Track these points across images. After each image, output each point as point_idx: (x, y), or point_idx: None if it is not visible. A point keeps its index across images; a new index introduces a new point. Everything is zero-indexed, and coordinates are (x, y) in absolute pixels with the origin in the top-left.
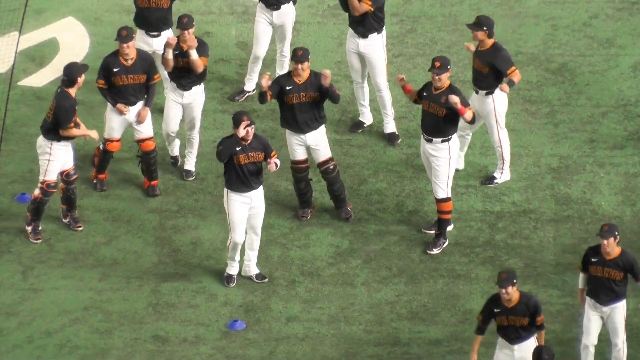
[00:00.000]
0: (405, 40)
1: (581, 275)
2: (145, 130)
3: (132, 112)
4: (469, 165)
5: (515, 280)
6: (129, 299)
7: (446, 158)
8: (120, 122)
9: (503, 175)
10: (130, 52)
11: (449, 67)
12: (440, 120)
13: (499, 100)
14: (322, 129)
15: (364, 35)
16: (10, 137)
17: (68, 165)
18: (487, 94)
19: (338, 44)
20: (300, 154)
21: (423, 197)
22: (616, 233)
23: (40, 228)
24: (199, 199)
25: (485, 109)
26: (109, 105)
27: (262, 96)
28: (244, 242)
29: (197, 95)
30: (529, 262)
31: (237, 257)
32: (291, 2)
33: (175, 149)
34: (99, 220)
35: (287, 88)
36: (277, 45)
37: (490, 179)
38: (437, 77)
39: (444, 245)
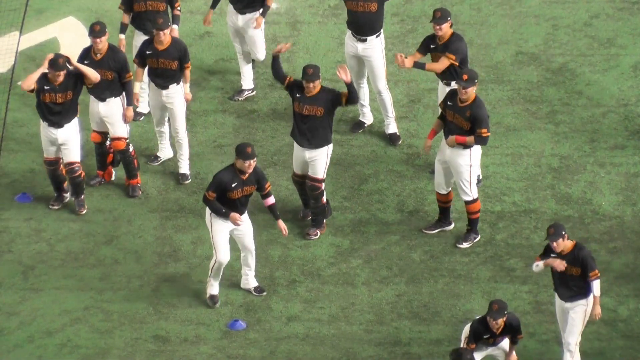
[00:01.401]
0: (406, 39)
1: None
2: (116, 129)
3: (102, 108)
4: None
5: (564, 232)
6: (130, 299)
7: (467, 165)
8: (93, 115)
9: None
10: (102, 47)
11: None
12: (464, 133)
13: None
14: (324, 150)
15: (364, 39)
16: (11, 137)
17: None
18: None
19: (339, 43)
20: (297, 167)
21: (424, 197)
22: (563, 233)
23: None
24: (199, 198)
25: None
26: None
27: (275, 61)
28: (240, 258)
29: (176, 94)
30: (530, 262)
31: (219, 278)
32: (258, 11)
33: (164, 151)
34: (100, 220)
35: (297, 95)
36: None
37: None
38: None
39: (475, 240)
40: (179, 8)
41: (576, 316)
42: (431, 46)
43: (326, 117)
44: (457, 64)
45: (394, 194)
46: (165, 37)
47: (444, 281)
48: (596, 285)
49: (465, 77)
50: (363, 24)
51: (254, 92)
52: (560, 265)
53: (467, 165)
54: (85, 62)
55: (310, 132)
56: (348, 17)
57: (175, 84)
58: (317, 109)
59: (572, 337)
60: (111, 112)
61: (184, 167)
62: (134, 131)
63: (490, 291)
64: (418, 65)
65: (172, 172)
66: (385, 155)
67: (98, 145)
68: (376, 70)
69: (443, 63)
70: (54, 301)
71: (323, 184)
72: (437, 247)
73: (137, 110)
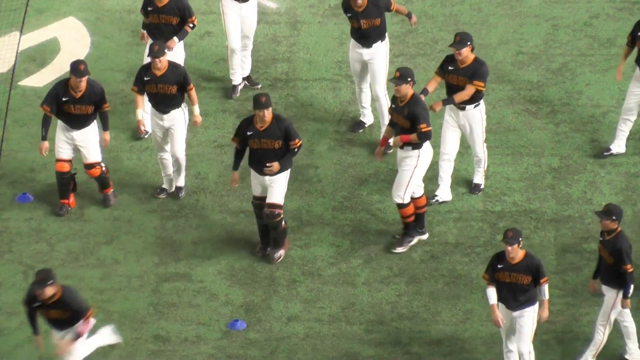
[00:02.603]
0: (406, 40)
1: (489, 290)
2: (91, 155)
3: (77, 135)
4: (470, 165)
5: (521, 239)
6: (130, 299)
7: (412, 166)
8: (63, 143)
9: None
10: (82, 86)
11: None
12: (407, 132)
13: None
14: (283, 176)
15: (368, 45)
16: (12, 137)
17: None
18: (475, 106)
19: (339, 43)
20: (257, 190)
21: (424, 196)
22: (520, 239)
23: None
24: (199, 198)
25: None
26: (59, 123)
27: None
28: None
29: (177, 118)
30: None
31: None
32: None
33: (170, 182)
34: (100, 220)
35: (249, 133)
36: (242, 40)
37: (475, 187)
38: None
39: (411, 244)
40: (191, 25)
41: (525, 322)
42: (449, 67)
43: (284, 146)
44: (484, 89)
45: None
46: (162, 63)
47: (444, 281)
48: (546, 289)
49: (397, 74)
50: (368, 36)
51: (243, 85)
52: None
53: (412, 166)
54: (64, 99)
55: (265, 159)
56: (352, 31)
57: (176, 108)
58: (274, 142)
59: (525, 346)
60: (86, 137)
61: (181, 181)
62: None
63: None
64: (448, 102)
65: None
66: (386, 155)
67: (62, 174)
68: (377, 75)
69: (470, 91)
70: None
71: (282, 210)
72: (437, 247)
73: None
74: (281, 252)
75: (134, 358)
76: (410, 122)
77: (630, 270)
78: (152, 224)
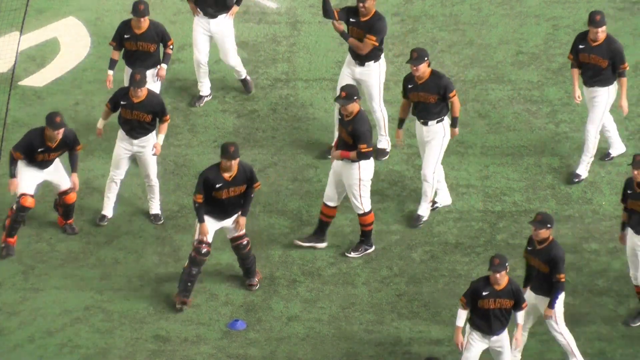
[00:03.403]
0: (406, 39)
1: (462, 313)
2: (64, 183)
3: (45, 172)
4: (470, 165)
5: (507, 264)
6: (130, 299)
7: (356, 179)
8: (33, 179)
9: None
10: (58, 137)
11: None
12: (349, 148)
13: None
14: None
15: (361, 63)
16: (12, 137)
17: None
18: (438, 122)
19: (339, 43)
20: (210, 237)
21: None
22: (507, 265)
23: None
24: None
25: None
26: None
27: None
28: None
29: (147, 143)
30: None
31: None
32: (227, 14)
33: (107, 207)
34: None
35: (217, 186)
36: (222, 55)
37: (417, 218)
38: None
39: (367, 252)
40: (171, 47)
41: (506, 344)
42: (409, 86)
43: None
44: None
45: (394, 194)
46: (142, 92)
47: (444, 281)
48: (521, 315)
49: (343, 94)
50: (364, 55)
51: (211, 96)
52: None
53: (356, 179)
54: (39, 149)
55: (236, 207)
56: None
57: (147, 135)
58: (241, 189)
59: None
60: (57, 168)
61: (155, 208)
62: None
63: None
64: (455, 123)
65: (172, 173)
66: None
67: (26, 209)
68: (372, 91)
69: (456, 104)
70: (55, 301)
71: (248, 239)
72: (437, 247)
73: None
74: (257, 278)
75: (134, 358)
76: (353, 139)
77: (563, 280)
78: (152, 224)
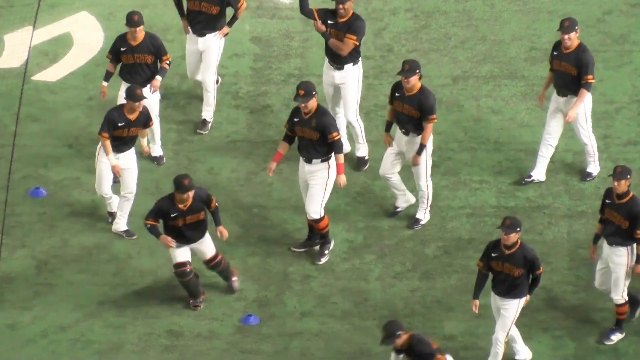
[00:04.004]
0: (420, 35)
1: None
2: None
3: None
4: (483, 161)
5: (519, 229)
6: (143, 294)
7: (322, 183)
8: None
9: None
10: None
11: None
12: (316, 145)
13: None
14: (207, 233)
15: (340, 66)
16: (24, 132)
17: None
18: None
19: None
20: (182, 257)
21: (437, 192)
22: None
23: None
24: (212, 194)
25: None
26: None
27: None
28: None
29: (131, 159)
30: (543, 257)
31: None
32: (217, 33)
33: (113, 205)
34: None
35: (172, 215)
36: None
37: (415, 221)
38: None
39: (330, 249)
40: (167, 62)
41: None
42: (396, 94)
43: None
44: (435, 120)
45: (407, 189)
46: (140, 107)
47: (457, 277)
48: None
49: (301, 92)
50: (343, 57)
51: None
52: None
53: (324, 179)
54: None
55: (196, 232)
56: (326, 47)
57: (132, 148)
58: (198, 215)
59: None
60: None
61: (122, 225)
62: None
63: None
64: (420, 151)
65: (185, 167)
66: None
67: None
68: (349, 98)
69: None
70: (68, 296)
71: (219, 255)
72: (450, 243)
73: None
74: (235, 278)
75: (147, 353)
76: (320, 133)
77: (541, 273)
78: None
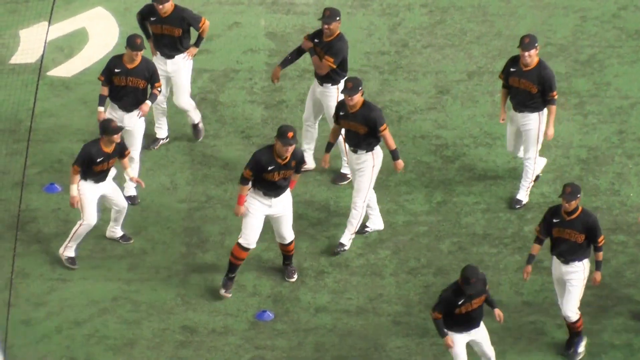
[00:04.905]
0: (435, 31)
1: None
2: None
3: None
4: (498, 157)
5: (579, 195)
6: (158, 289)
7: (290, 205)
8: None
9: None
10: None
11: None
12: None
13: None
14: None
15: (321, 83)
16: (39, 127)
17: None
18: (367, 152)
19: (367, 34)
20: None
21: (452, 188)
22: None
23: None
24: (227, 189)
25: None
26: None
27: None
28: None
29: (110, 183)
30: None
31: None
32: (186, 55)
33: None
34: (128, 211)
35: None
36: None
37: (339, 246)
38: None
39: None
40: (159, 89)
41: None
42: (341, 113)
43: None
44: (386, 129)
45: (422, 185)
46: (117, 138)
47: None
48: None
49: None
50: (323, 75)
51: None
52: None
53: (290, 207)
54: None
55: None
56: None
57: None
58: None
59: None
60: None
61: (117, 232)
62: None
63: (518, 282)
64: (395, 156)
65: (200, 163)
66: (413, 147)
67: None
68: (330, 114)
69: (388, 138)
70: (82, 292)
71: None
72: (465, 239)
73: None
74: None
75: (161, 349)
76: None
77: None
78: (179, 215)
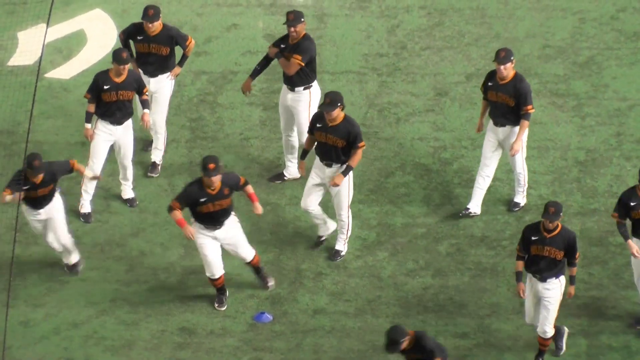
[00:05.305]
0: (433, 33)
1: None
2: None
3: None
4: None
5: (561, 214)
6: (156, 291)
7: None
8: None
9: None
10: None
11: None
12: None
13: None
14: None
15: (292, 88)
16: (38, 129)
17: None
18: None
19: (366, 36)
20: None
21: (450, 190)
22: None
23: None
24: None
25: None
26: None
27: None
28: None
29: (54, 207)
30: None
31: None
32: (168, 74)
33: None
34: (126, 212)
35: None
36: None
37: (335, 253)
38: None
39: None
40: (146, 93)
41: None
42: (317, 125)
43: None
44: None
45: (420, 187)
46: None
47: (470, 274)
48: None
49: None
50: (292, 77)
51: None
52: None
53: (240, 233)
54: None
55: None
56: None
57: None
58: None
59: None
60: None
61: (75, 257)
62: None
63: (516, 284)
64: (347, 172)
65: (197, 165)
66: (412, 149)
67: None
68: (300, 120)
69: (358, 154)
70: (80, 293)
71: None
72: (463, 240)
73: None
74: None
75: (159, 350)
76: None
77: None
78: None
